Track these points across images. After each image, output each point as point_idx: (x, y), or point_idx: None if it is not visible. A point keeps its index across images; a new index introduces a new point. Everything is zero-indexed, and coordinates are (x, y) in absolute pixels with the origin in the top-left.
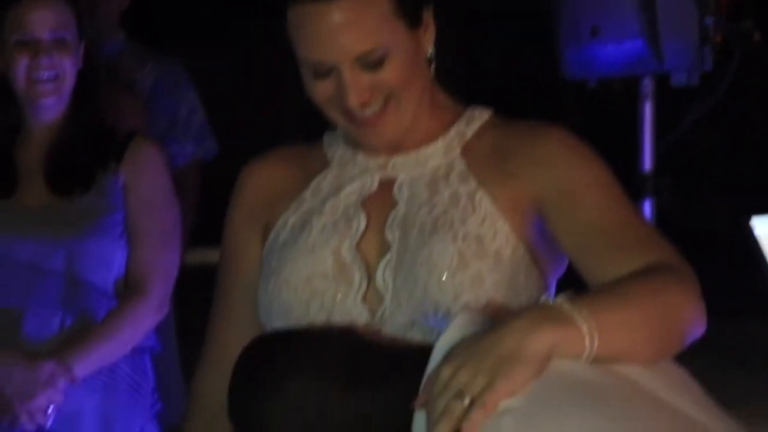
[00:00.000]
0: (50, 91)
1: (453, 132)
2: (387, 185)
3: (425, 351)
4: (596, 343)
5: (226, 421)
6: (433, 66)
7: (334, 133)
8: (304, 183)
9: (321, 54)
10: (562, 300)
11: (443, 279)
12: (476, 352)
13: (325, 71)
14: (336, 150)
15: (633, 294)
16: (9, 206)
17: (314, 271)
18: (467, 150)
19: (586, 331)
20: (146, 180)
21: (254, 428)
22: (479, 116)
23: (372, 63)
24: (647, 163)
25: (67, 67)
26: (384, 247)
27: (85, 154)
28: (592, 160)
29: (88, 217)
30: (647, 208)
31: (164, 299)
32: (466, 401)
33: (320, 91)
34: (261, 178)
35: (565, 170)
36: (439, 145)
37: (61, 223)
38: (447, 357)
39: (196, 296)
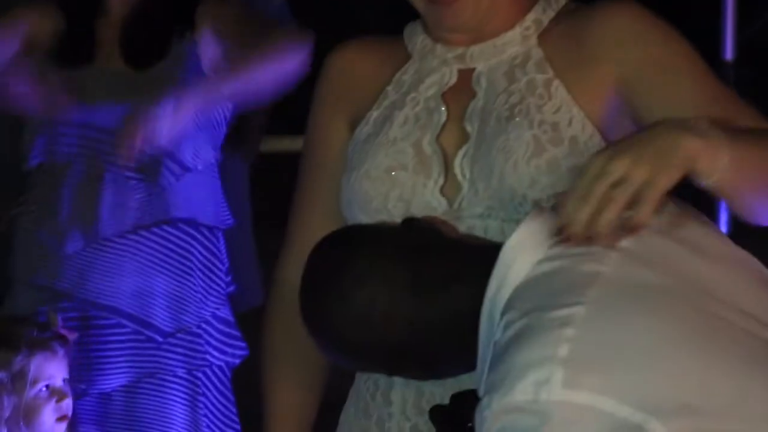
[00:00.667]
0: None
1: (530, 19)
2: (466, 76)
3: (494, 250)
4: (728, 167)
5: None
6: None
7: (414, 25)
8: (387, 76)
9: None
10: (703, 120)
11: (519, 164)
12: (632, 144)
13: None
14: (416, 42)
15: (763, 137)
16: (88, 73)
17: (394, 162)
18: (544, 38)
19: (725, 152)
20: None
21: (323, 331)
22: (555, 3)
23: None
24: (729, 53)
25: None
26: (463, 139)
27: (160, 25)
28: (674, 35)
29: (165, 85)
30: None
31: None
32: (629, 190)
33: None
34: (347, 67)
35: (651, 46)
36: (517, 32)
37: (137, 91)
38: (599, 151)
39: (271, 184)
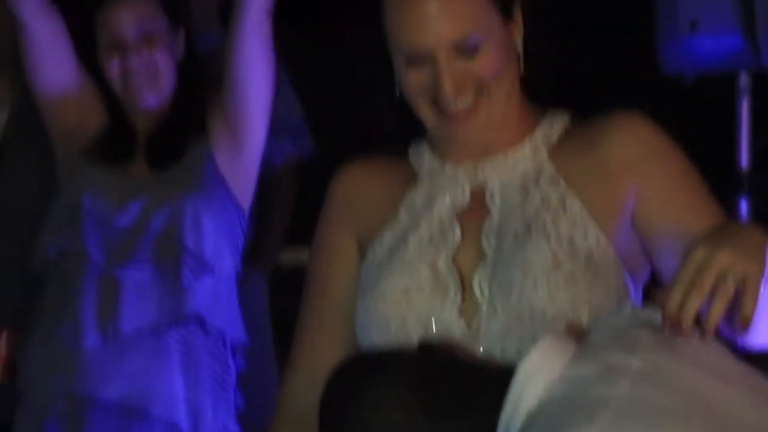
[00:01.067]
0: (147, 88)
1: (539, 134)
2: (478, 193)
3: (509, 375)
4: None
5: (312, 428)
6: (521, 63)
7: (418, 145)
8: (396, 198)
9: (417, 41)
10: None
11: (538, 280)
12: (725, 237)
13: (419, 59)
14: (423, 162)
15: None
16: (114, 177)
17: (411, 284)
18: (554, 152)
19: None
20: None
21: None
22: (561, 118)
23: (467, 50)
24: (744, 160)
25: (160, 60)
26: (479, 257)
27: (179, 133)
28: (680, 151)
29: (183, 184)
30: (743, 206)
31: None
32: (735, 282)
33: (413, 80)
34: (352, 187)
35: (664, 160)
36: (526, 147)
37: (156, 190)
38: (697, 243)
39: (293, 296)
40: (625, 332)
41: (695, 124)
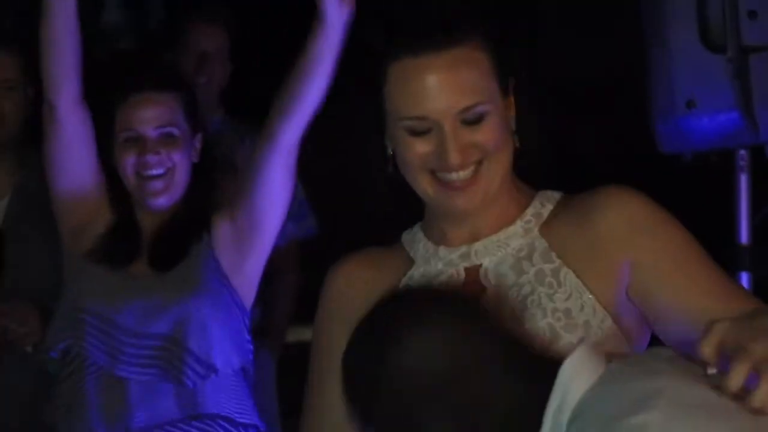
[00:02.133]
0: (160, 189)
1: (529, 213)
2: (473, 273)
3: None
4: None
5: None
6: (515, 140)
7: (411, 232)
8: (391, 282)
9: (424, 109)
10: None
11: None
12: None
13: (424, 129)
14: (418, 247)
15: None
16: (118, 276)
17: None
18: (546, 229)
19: None
20: None
21: (374, 377)
22: (551, 197)
23: (472, 119)
24: (744, 235)
25: (177, 160)
26: None
27: (183, 234)
28: (676, 223)
29: (184, 285)
30: (744, 281)
31: None
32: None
33: (417, 150)
34: (346, 283)
35: (659, 234)
36: (518, 226)
37: (158, 291)
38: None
39: (299, 374)
40: (647, 361)
41: (694, 200)
